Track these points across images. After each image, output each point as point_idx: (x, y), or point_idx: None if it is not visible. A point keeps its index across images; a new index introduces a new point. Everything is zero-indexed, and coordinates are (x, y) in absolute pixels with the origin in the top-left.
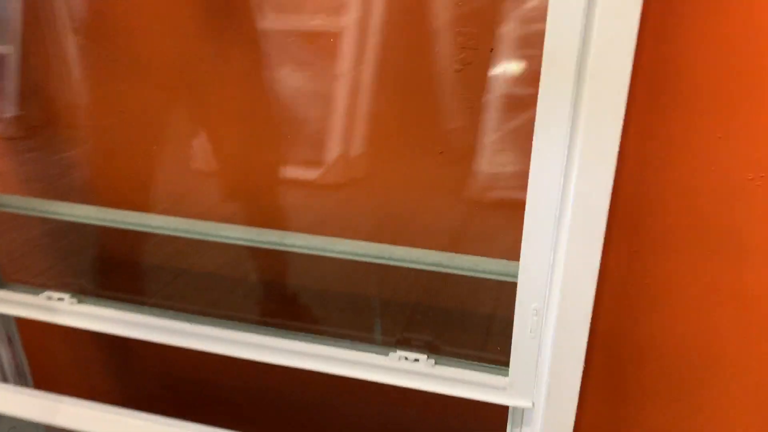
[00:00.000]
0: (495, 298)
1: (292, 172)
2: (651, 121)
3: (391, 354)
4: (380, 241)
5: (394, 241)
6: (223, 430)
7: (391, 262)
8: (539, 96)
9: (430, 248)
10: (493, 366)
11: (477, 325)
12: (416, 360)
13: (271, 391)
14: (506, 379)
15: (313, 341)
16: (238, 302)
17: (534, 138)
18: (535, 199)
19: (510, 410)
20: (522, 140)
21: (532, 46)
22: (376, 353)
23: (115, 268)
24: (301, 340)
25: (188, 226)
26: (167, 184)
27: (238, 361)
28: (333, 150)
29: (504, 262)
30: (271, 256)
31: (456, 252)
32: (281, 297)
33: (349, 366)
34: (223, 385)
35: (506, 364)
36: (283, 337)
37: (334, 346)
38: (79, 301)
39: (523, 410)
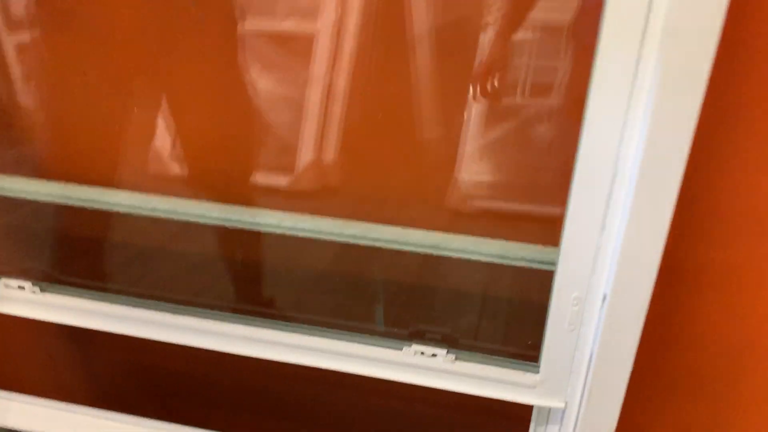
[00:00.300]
0: (520, 286)
1: (262, 178)
2: (713, 90)
3: (406, 348)
4: None
5: None
6: (202, 430)
7: (408, 248)
8: (598, 52)
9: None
10: (521, 362)
11: (500, 316)
12: (434, 355)
13: (259, 386)
14: (536, 376)
15: (314, 334)
16: (219, 288)
17: (587, 105)
18: (585, 174)
19: (535, 408)
20: (502, 151)
21: None
22: (389, 347)
23: (82, 252)
24: (300, 332)
25: (161, 205)
26: (132, 156)
27: (220, 354)
28: (305, 156)
29: (537, 247)
30: (256, 239)
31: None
32: (268, 283)
33: (359, 362)
34: (205, 379)
35: (535, 359)
36: (279, 329)
37: (339, 339)
38: (42, 290)
39: (550, 409)
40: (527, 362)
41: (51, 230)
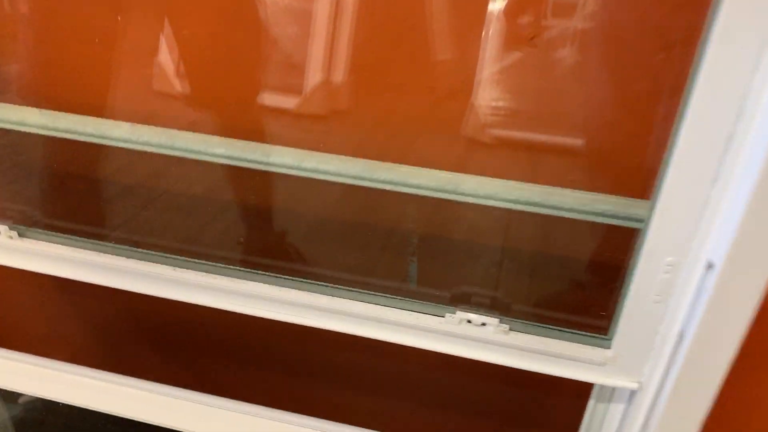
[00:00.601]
0: (589, 244)
1: (268, 99)
2: None
3: (449, 315)
4: None
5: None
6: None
7: (459, 198)
8: None
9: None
10: (588, 334)
11: (564, 279)
12: (483, 324)
13: (273, 347)
14: (607, 352)
15: (339, 295)
16: (226, 238)
17: (712, 17)
18: (700, 110)
19: (597, 384)
20: (525, 73)
21: None
22: (428, 314)
23: (67, 192)
24: (323, 293)
25: (160, 139)
26: (120, 77)
27: (225, 312)
28: (313, 76)
29: (621, 200)
30: (268, 180)
31: None
32: (283, 233)
33: (391, 329)
34: (208, 337)
35: (605, 331)
36: (297, 288)
37: (369, 302)
38: (21, 234)
39: (614, 388)
40: (596, 335)
41: (31, 166)
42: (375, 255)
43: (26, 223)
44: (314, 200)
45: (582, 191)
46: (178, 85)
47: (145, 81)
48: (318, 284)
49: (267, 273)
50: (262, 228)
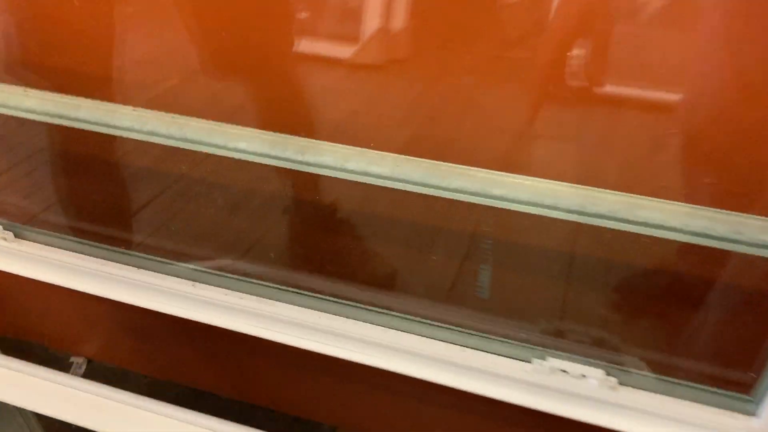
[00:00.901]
0: (728, 278)
1: (320, 47)
2: None
3: (538, 362)
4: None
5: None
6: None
7: (566, 216)
8: None
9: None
10: (721, 393)
11: (692, 320)
12: (584, 376)
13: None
14: (752, 420)
15: (401, 328)
16: (258, 248)
17: None
18: None
19: None
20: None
21: None
22: (512, 358)
23: (71, 188)
24: (379, 323)
25: (176, 130)
26: (144, 61)
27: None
28: (371, 23)
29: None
30: (309, 179)
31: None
32: (325, 245)
33: (465, 376)
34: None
35: (745, 389)
36: (346, 316)
37: (438, 339)
38: (18, 235)
39: None
40: (735, 394)
41: (31, 156)
42: (441, 276)
43: (23, 220)
44: (361, 205)
45: (722, 211)
46: (209, 38)
47: (160, 56)
48: (369, 310)
49: (306, 293)
50: (297, 238)
